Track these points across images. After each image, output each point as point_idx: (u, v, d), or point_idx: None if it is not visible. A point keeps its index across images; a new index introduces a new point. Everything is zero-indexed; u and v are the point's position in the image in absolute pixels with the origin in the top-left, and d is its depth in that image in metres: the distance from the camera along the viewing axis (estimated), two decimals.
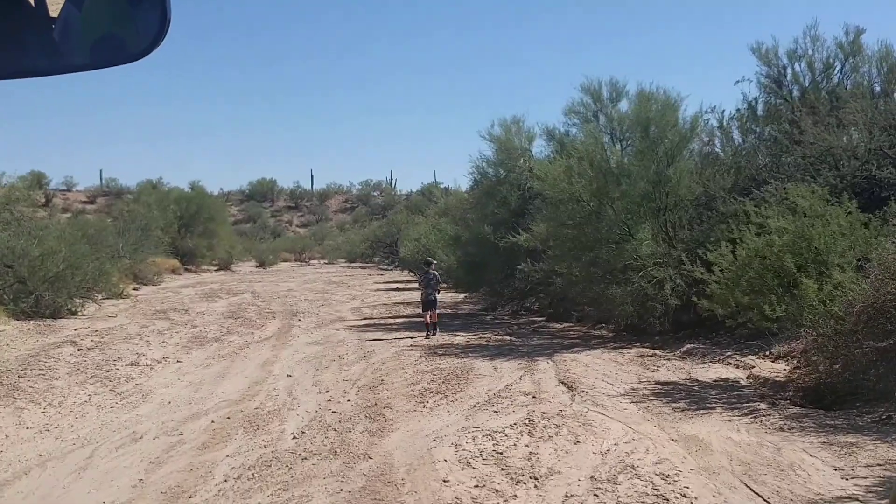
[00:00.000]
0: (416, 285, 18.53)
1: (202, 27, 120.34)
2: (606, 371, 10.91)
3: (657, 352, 12.75)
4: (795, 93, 17.61)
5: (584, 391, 9.34)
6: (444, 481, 6.03)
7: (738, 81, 18.03)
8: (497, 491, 5.78)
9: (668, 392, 9.43)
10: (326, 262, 56.25)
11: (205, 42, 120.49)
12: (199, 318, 18.91)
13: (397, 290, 29.07)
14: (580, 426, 7.53)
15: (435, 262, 18.14)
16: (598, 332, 15.79)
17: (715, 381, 10.10)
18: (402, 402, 9.07)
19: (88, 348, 13.78)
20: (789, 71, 17.87)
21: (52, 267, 18.46)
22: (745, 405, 8.61)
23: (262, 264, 48.69)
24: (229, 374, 11.23)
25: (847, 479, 6.00)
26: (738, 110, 17.32)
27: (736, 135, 17.26)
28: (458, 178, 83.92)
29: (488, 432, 7.37)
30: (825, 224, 9.21)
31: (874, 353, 7.59)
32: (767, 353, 11.45)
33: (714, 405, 8.66)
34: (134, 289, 28.36)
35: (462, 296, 23.83)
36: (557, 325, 17.29)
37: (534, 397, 9.05)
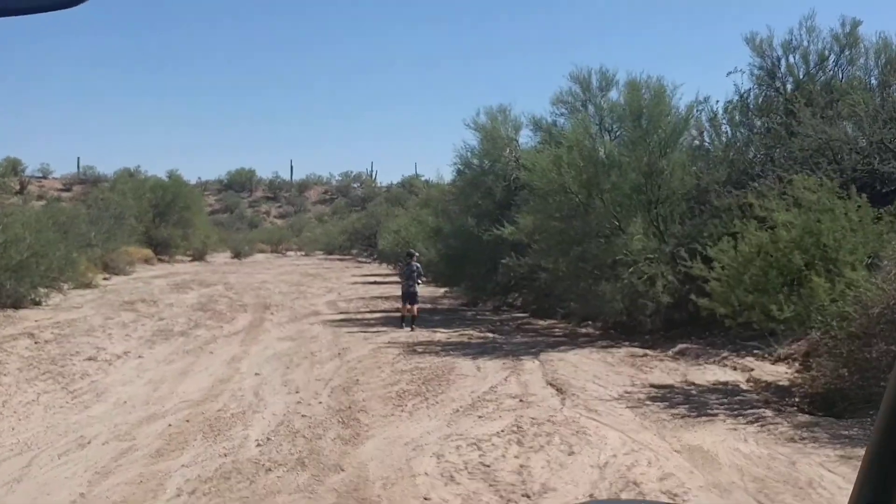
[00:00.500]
0: (396, 279, 17.88)
1: (183, 18, 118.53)
2: (597, 372, 10.26)
3: (648, 352, 12.13)
4: (789, 85, 17.11)
5: (574, 394, 8.68)
6: (426, 499, 5.34)
7: (730, 72, 17.48)
8: None
9: (665, 396, 8.79)
10: (304, 253, 55.37)
11: (187, 32, 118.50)
12: (167, 311, 18.08)
13: (375, 283, 28.31)
14: (573, 434, 6.88)
15: (417, 254, 17.65)
16: (584, 330, 15.16)
17: (713, 384, 9.48)
18: (378, 405, 8.36)
19: (46, 341, 12.97)
20: (783, 63, 17.32)
21: (15, 255, 17.56)
22: (749, 412, 7.99)
23: (237, 255, 47.72)
24: (193, 372, 10.46)
25: None
26: (730, 102, 16.78)
27: (726, 128, 16.72)
28: (441, 168, 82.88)
29: (473, 441, 6.69)
30: (834, 219, 8.61)
31: (892, 357, 6.98)
32: (766, 354, 10.87)
33: (716, 411, 8.03)
34: (104, 279, 27.50)
35: (442, 290, 23.10)
36: (541, 322, 16.65)
37: (521, 401, 8.39)
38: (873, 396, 7.59)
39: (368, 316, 17.70)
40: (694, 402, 8.45)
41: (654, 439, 6.86)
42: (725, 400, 8.58)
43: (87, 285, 23.62)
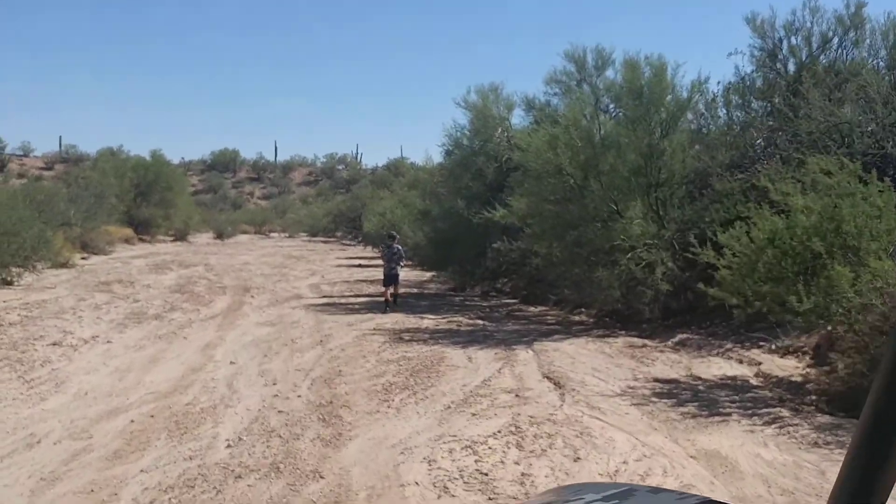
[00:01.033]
0: (381, 262, 17.23)
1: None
2: (595, 364, 9.63)
3: (647, 342, 11.53)
4: (791, 67, 16.51)
5: (574, 389, 8.04)
6: None
7: (731, 53, 16.94)
8: None
9: (671, 392, 8.17)
10: (287, 235, 54.61)
11: (174, 11, 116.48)
12: (143, 292, 17.32)
13: (360, 266, 27.61)
14: (577, 436, 6.24)
15: (398, 235, 17.11)
16: (577, 318, 14.54)
17: (721, 379, 8.88)
18: (362, 399, 7.68)
19: (11, 324, 12.23)
20: (785, 44, 16.70)
21: None
22: (764, 411, 7.38)
23: (220, 236, 46.94)
24: (163, 359, 9.73)
25: None
26: (731, 84, 16.16)
27: (723, 110, 16.11)
28: (430, 149, 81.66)
29: (468, 443, 6.03)
30: (855, 203, 7.98)
31: None
32: (774, 347, 10.30)
33: (728, 410, 7.41)
34: (82, 258, 26.77)
35: (429, 274, 22.44)
36: (532, 309, 16.01)
37: (517, 396, 7.74)
38: None
39: (353, 300, 17.00)
40: (703, 400, 7.83)
41: (666, 443, 6.23)
42: (737, 397, 7.97)
43: (64, 265, 22.87)
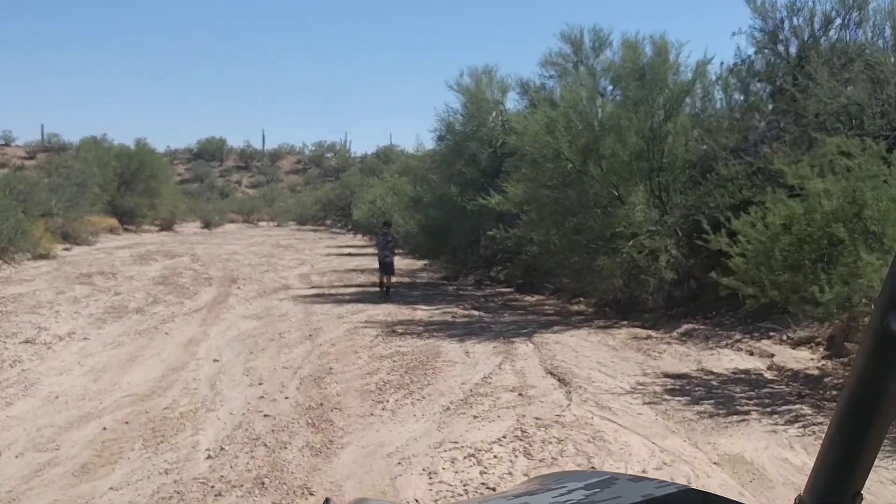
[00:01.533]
0: (371, 250, 16.87)
1: None
2: (600, 358, 9.14)
3: (651, 333, 11.05)
4: (793, 49, 16.01)
5: (580, 386, 7.54)
6: None
7: (734, 34, 16.38)
8: None
9: (683, 388, 7.68)
10: (276, 224, 54.02)
11: (158, 2, 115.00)
12: (125, 284, 16.74)
13: (350, 255, 27.05)
14: (589, 441, 5.74)
15: (393, 224, 16.72)
16: (575, 308, 14.05)
17: (733, 372, 8.39)
18: (355, 400, 7.15)
19: None
20: (787, 24, 16.18)
21: None
22: (783, 408, 6.90)
23: (207, 225, 46.28)
24: (143, 357, 9.16)
25: None
26: (734, 65, 15.66)
27: (721, 95, 15.61)
28: (421, 134, 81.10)
29: (471, 451, 5.52)
30: (877, 186, 7.49)
31: None
32: (785, 337, 9.83)
33: (746, 408, 6.93)
34: (64, 249, 26.16)
35: (421, 263, 21.91)
36: (529, 298, 15.51)
37: (520, 395, 7.23)
38: None
39: (343, 291, 16.45)
40: (718, 396, 7.35)
41: (685, 447, 5.73)
42: (753, 393, 7.49)
43: (45, 256, 22.25)
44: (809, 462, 5.46)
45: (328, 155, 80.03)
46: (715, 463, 5.44)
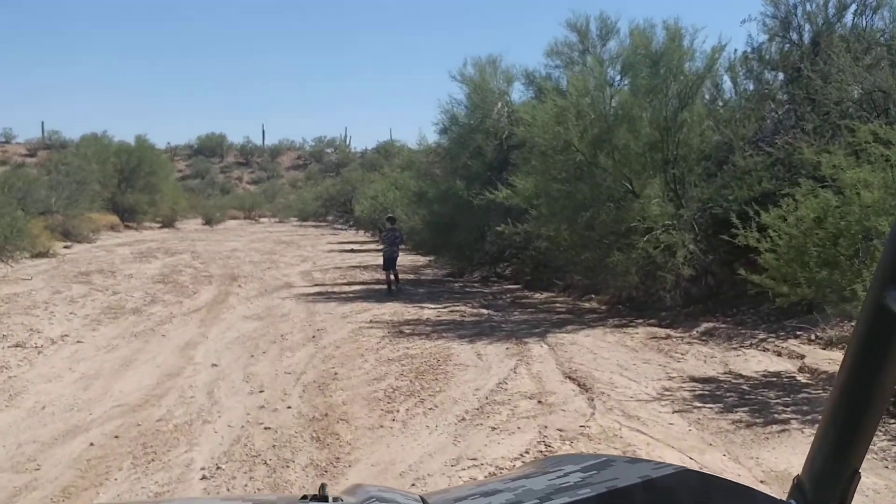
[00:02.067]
0: (374, 246, 16.44)
1: None
2: (620, 360, 8.64)
3: (670, 332, 10.55)
4: (806, 36, 15.49)
5: (603, 392, 7.05)
6: None
7: (744, 21, 15.85)
8: None
9: (714, 394, 7.18)
10: (277, 220, 53.53)
11: None
12: (124, 283, 16.28)
13: (353, 251, 26.54)
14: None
15: (397, 219, 16.30)
16: (587, 305, 13.56)
17: (764, 375, 7.90)
18: (362, 410, 6.65)
19: None
20: (800, 10, 15.66)
21: None
22: None
23: (208, 222, 45.79)
24: (137, 362, 8.67)
25: None
26: (746, 52, 15.15)
27: (731, 83, 15.11)
28: (422, 128, 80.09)
29: (492, 468, 5.03)
30: None
31: None
32: (813, 336, 9.33)
33: (784, 416, 6.43)
34: (64, 246, 25.69)
35: (425, 259, 21.42)
36: (538, 296, 15.01)
37: (539, 402, 6.74)
38: None
39: (346, 289, 15.96)
40: (752, 403, 6.85)
41: (726, 462, 5.24)
42: (789, 399, 6.99)
43: (44, 254, 21.81)
44: (867, 480, 4.98)
45: (328, 150, 79.47)
46: (762, 481, 4.94)
